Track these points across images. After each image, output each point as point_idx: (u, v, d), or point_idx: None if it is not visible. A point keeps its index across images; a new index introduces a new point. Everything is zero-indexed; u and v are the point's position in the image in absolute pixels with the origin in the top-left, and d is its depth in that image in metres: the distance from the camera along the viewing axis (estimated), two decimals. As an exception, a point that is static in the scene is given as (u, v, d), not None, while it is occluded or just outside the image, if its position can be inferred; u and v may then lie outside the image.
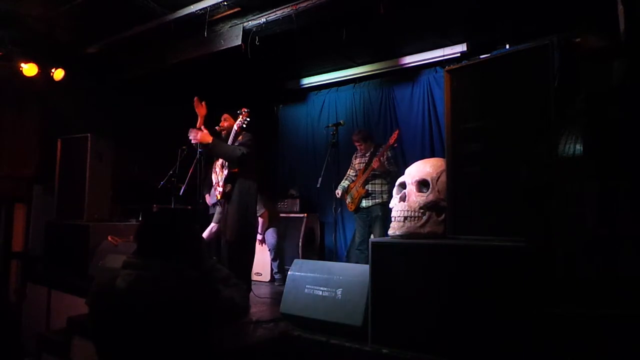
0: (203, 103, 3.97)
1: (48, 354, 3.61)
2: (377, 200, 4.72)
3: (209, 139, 3.76)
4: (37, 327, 4.44)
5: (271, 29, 4.38)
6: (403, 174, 4.50)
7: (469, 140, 2.45)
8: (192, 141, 3.77)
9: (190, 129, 3.78)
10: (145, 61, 5.40)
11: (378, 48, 5.57)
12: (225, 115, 4.15)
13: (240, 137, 3.98)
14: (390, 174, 4.64)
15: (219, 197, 4.05)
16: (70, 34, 5.04)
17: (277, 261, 5.12)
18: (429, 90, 5.61)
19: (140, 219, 4.93)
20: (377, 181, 4.76)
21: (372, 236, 4.66)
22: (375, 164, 4.65)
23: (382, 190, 4.74)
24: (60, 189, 5.02)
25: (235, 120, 4.03)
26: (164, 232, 1.74)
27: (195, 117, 3.96)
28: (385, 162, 4.68)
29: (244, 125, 3.87)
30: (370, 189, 4.76)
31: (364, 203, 4.77)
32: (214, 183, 4.16)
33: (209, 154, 3.89)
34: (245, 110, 3.87)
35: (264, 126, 6.77)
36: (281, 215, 5.65)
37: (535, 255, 2.09)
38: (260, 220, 5.16)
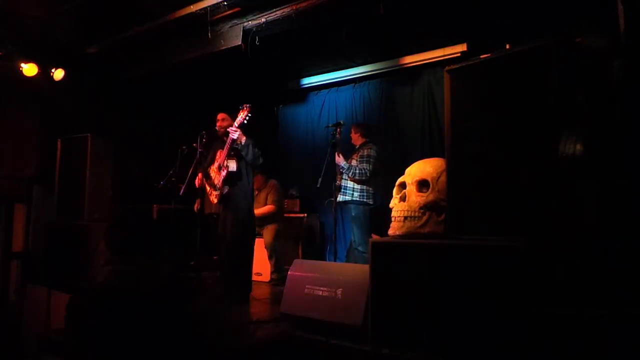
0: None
1: (48, 354, 3.61)
2: (347, 198, 4.63)
3: (244, 138, 3.86)
4: (37, 327, 4.45)
5: (271, 29, 4.38)
6: (363, 176, 4.48)
7: (469, 140, 2.45)
8: (233, 136, 3.83)
9: (235, 126, 3.86)
10: (145, 61, 5.40)
11: (378, 48, 5.57)
12: (224, 115, 4.15)
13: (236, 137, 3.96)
14: (351, 170, 4.51)
15: (215, 201, 4.03)
16: (70, 34, 5.04)
17: (273, 260, 5.08)
18: (429, 90, 5.60)
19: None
20: (345, 176, 4.65)
21: (372, 236, 4.65)
22: (336, 158, 4.57)
23: (353, 188, 4.61)
24: (60, 189, 5.02)
25: (233, 118, 4.03)
26: (132, 230, 1.80)
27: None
28: (357, 159, 4.60)
29: (245, 122, 3.85)
30: (343, 183, 4.67)
31: (340, 197, 4.69)
32: (209, 188, 4.13)
33: (240, 150, 3.93)
34: (247, 105, 3.83)
35: (264, 126, 6.77)
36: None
37: (535, 255, 2.09)
38: (268, 207, 5.19)
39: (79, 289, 1.83)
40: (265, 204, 5.23)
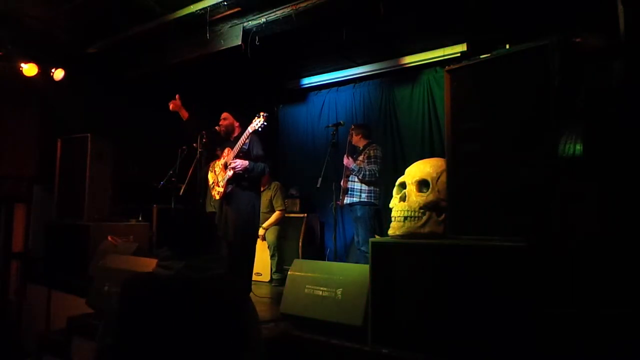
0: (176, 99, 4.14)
1: (48, 354, 3.61)
2: (354, 199, 4.62)
3: (247, 162, 3.83)
4: (37, 327, 4.45)
5: (271, 29, 4.38)
6: (373, 177, 4.49)
7: (469, 140, 2.45)
8: (239, 170, 3.82)
9: (235, 159, 3.83)
10: (145, 61, 5.40)
11: (378, 48, 5.57)
12: (226, 114, 4.15)
13: (248, 140, 3.96)
14: (362, 172, 4.51)
15: (217, 197, 4.03)
16: (70, 34, 5.05)
17: (275, 259, 5.11)
18: (429, 90, 5.60)
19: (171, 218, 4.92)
20: (355, 178, 4.63)
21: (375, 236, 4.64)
22: (344, 160, 4.57)
23: (360, 189, 4.60)
24: (60, 189, 5.03)
25: (238, 120, 4.03)
26: (198, 230, 1.81)
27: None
28: (365, 161, 4.61)
29: (259, 129, 3.81)
30: (350, 185, 4.65)
31: (347, 200, 4.69)
32: (210, 183, 4.13)
33: (249, 175, 3.91)
34: (265, 114, 3.76)
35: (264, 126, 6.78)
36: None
37: (535, 255, 2.09)
38: (277, 214, 5.19)
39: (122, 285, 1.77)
40: (269, 207, 5.25)
